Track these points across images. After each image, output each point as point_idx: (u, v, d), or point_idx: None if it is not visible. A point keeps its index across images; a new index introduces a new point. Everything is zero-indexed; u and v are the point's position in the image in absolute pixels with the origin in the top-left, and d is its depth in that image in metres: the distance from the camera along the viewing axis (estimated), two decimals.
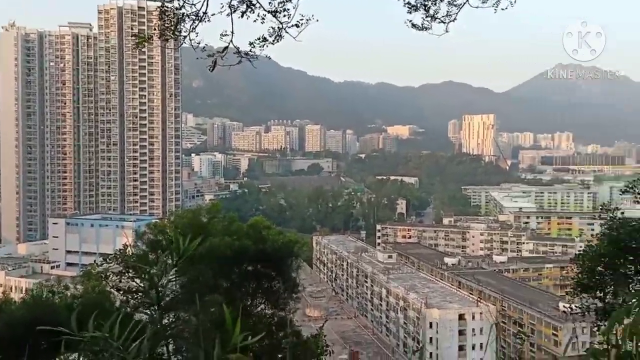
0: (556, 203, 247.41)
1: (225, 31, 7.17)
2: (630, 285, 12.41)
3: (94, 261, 25.91)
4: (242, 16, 7.14)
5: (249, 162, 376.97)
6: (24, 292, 73.34)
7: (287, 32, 7.31)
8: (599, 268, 12.85)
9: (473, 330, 79.58)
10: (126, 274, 17.23)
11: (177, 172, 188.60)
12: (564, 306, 66.38)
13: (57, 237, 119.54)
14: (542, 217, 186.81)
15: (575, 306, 13.81)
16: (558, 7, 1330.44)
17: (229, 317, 2.77)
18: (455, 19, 7.74)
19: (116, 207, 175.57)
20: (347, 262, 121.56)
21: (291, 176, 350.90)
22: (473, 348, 78.72)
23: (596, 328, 12.23)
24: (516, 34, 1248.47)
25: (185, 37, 7.35)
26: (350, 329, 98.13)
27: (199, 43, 7.31)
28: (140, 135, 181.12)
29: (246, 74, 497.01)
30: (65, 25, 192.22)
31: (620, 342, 2.87)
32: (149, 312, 3.54)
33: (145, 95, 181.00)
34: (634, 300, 2.96)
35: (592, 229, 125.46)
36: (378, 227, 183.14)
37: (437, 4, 7.67)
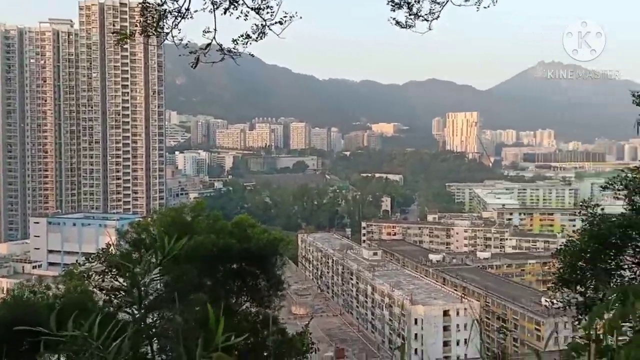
0: (538, 199, 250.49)
1: (208, 28, 7.12)
2: (611, 280, 12.60)
3: (76, 261, 25.60)
4: (224, 13, 7.10)
5: (233, 160, 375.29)
6: (4, 292, 72.32)
7: (271, 29, 7.29)
8: (580, 263, 13.03)
9: (457, 326, 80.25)
10: (109, 274, 17.07)
11: (160, 170, 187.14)
12: (545, 301, 67.30)
13: (38, 236, 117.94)
14: (524, 214, 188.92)
15: (557, 301, 13.99)
16: (539, 7, 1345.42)
17: (212, 316, 2.75)
18: (438, 17, 7.79)
19: (99, 206, 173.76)
20: (333, 260, 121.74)
21: (276, 174, 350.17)
22: (457, 344, 79.38)
23: (577, 322, 12.40)
24: (499, 33, 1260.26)
25: (167, 34, 7.28)
26: (336, 326, 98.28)
27: (181, 40, 7.24)
28: (123, 133, 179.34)
29: (230, 71, 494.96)
30: (46, 22, 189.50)
31: (601, 336, 2.91)
32: (130, 312, 3.50)
33: (128, 93, 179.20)
34: (614, 295, 2.99)
35: (574, 225, 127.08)
36: (363, 224, 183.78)
37: (420, 2, 7.71)
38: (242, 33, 7.32)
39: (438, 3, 7.70)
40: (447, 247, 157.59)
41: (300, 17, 7.24)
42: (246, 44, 7.42)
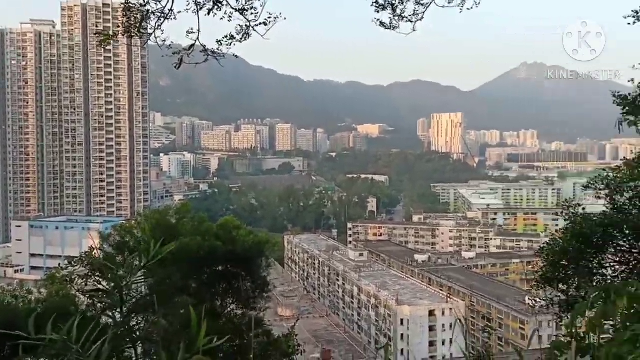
0: (522, 199, 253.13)
1: (192, 29, 7.08)
2: (593, 279, 12.75)
3: (59, 264, 25.28)
4: (208, 14, 7.06)
5: (219, 162, 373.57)
6: None
7: (255, 31, 7.26)
8: (563, 262, 13.16)
9: (443, 326, 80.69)
10: (92, 277, 16.87)
11: (145, 172, 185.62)
12: (529, 299, 68.00)
13: (20, 240, 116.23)
14: (508, 214, 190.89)
15: (540, 299, 14.12)
16: (521, 8, 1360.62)
17: (194, 319, 2.73)
18: (422, 18, 7.83)
19: (82, 209, 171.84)
20: (319, 261, 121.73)
21: (262, 175, 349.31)
22: (443, 343, 79.80)
23: (560, 321, 12.52)
24: (482, 34, 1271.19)
25: (150, 34, 7.22)
26: (322, 328, 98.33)
27: (164, 41, 7.19)
28: (107, 135, 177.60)
29: (215, 72, 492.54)
30: (28, 23, 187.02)
31: (583, 334, 2.94)
32: (110, 315, 3.47)
33: (111, 94, 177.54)
34: (595, 294, 3.02)
35: (557, 225, 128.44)
36: (349, 225, 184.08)
37: (404, 3, 7.75)
38: (226, 34, 7.29)
39: (422, 4, 7.74)
40: (432, 248, 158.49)
41: (285, 18, 7.24)
42: (230, 45, 7.40)
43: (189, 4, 7.05)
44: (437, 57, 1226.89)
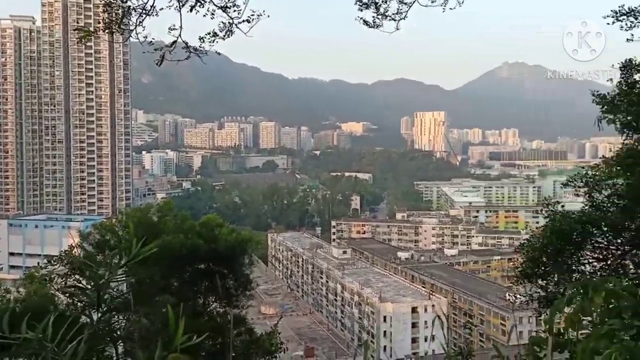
0: (503, 197, 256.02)
1: (174, 25, 7.02)
2: (572, 275, 12.94)
3: (38, 263, 24.89)
4: (191, 10, 7.00)
5: (202, 160, 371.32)
6: None
7: (238, 28, 7.22)
8: (542, 258, 13.33)
9: (425, 322, 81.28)
10: (72, 276, 16.64)
11: (127, 170, 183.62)
12: (509, 296, 68.86)
13: None
14: (490, 211, 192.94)
15: (520, 295, 14.30)
16: (504, 8, 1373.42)
17: (172, 317, 2.71)
18: (405, 17, 7.85)
19: (62, 207, 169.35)
20: (303, 259, 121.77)
21: (245, 173, 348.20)
22: (425, 340, 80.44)
23: (539, 316, 12.68)
24: (465, 33, 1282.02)
25: (132, 31, 7.14)
26: (306, 325, 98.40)
27: (145, 37, 7.11)
28: (88, 132, 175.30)
29: (197, 69, 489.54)
30: (7, 19, 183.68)
31: (562, 330, 2.98)
32: (87, 314, 3.43)
33: (92, 91, 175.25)
34: (573, 289, 3.06)
35: (537, 222, 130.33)
36: (333, 223, 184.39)
37: (388, 2, 7.76)
38: (208, 31, 7.24)
39: (405, 3, 7.76)
40: (415, 245, 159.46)
41: (268, 16, 7.21)
42: (213, 42, 7.35)
43: (170, 0, 7.00)
44: (420, 56, 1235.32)
